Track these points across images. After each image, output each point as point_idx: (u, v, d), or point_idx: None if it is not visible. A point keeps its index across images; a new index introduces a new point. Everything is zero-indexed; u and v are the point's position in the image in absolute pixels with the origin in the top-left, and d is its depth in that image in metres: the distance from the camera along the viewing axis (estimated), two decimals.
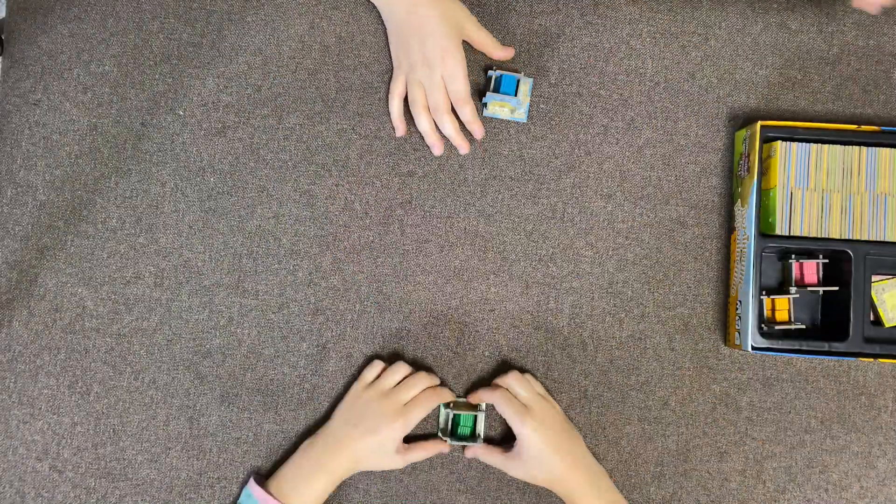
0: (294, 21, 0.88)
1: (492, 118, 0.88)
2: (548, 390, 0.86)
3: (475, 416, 0.84)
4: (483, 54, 0.88)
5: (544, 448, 0.79)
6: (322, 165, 0.87)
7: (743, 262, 0.84)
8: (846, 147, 0.83)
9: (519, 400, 0.82)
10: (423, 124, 0.85)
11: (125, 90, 0.87)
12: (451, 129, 0.85)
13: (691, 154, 0.89)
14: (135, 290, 0.85)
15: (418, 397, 0.82)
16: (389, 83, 0.87)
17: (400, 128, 0.87)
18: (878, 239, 0.83)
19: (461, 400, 0.86)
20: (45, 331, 0.85)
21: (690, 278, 0.88)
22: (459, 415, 0.84)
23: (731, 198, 0.88)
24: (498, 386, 0.84)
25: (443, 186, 0.88)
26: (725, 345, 0.87)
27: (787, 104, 0.90)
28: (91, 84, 0.87)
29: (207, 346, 0.85)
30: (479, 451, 0.84)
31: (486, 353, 0.87)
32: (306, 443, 0.82)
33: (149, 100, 0.87)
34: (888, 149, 0.84)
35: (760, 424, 0.87)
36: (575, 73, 0.89)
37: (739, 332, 0.83)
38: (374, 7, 0.88)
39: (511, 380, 0.83)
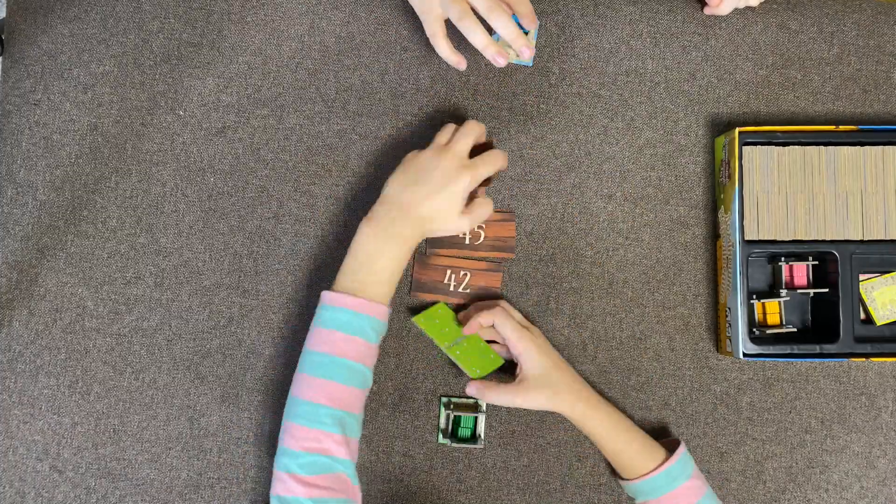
0: (294, 21, 0.88)
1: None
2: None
3: (476, 418, 0.84)
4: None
5: (546, 363, 0.80)
6: (322, 165, 0.87)
7: (730, 269, 0.83)
8: (806, 147, 0.83)
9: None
10: (479, 38, 0.77)
11: (125, 90, 0.87)
12: (512, 29, 0.76)
13: (691, 154, 0.89)
14: (135, 290, 0.85)
15: (483, 156, 0.79)
16: (425, 33, 0.81)
17: (460, 61, 0.81)
18: (856, 238, 0.83)
19: (462, 401, 0.86)
20: (45, 331, 0.85)
21: (690, 278, 0.88)
22: (460, 416, 0.84)
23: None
24: (496, 304, 0.84)
25: None
26: (717, 352, 0.87)
27: (787, 104, 0.90)
28: (91, 84, 0.87)
29: (207, 346, 0.85)
30: (479, 387, 0.80)
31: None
32: (361, 224, 0.77)
33: (149, 100, 0.87)
34: (847, 147, 0.83)
35: (760, 424, 0.87)
36: (575, 73, 0.89)
37: (731, 340, 0.83)
38: (374, 8, 0.88)
39: (503, 306, 0.84)
